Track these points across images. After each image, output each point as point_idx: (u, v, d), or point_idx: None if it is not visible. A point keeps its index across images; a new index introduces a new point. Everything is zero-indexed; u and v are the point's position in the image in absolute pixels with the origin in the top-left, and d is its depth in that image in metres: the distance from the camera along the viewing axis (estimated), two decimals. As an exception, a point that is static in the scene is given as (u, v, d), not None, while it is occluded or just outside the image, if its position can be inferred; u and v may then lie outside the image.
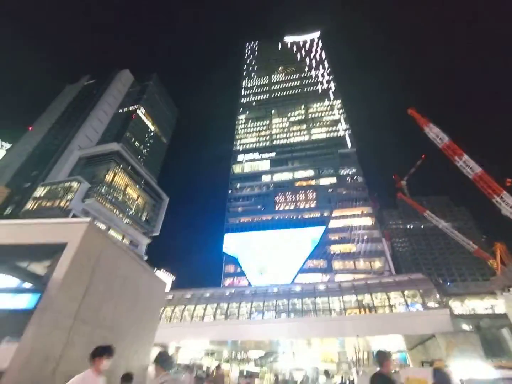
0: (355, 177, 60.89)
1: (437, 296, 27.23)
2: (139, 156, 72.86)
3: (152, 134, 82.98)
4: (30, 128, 70.74)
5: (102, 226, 46.65)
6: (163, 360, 2.87)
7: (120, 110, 75.72)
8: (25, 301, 3.81)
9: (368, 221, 53.44)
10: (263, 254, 52.75)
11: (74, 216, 42.64)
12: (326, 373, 10.11)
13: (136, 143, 74.67)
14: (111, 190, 52.67)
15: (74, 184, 47.28)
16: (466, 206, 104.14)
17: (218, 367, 12.34)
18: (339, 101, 76.36)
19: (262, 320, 29.13)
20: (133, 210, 58.42)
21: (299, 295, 31.67)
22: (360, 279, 36.09)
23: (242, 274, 51.69)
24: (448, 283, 48.34)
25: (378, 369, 3.14)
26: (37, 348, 3.54)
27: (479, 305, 31.29)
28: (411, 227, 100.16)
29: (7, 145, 64.11)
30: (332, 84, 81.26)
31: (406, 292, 28.59)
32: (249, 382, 22.28)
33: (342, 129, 69.68)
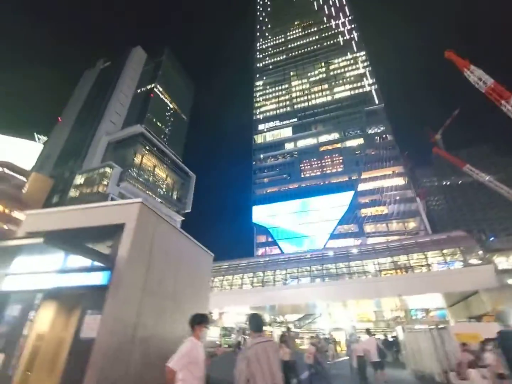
0: (384, 135, 57.20)
1: (480, 252, 26.16)
2: (162, 136, 73.95)
3: (171, 112, 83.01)
4: (59, 119, 74.06)
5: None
6: (254, 323, 3.00)
7: (138, 90, 75.84)
8: (99, 278, 4.32)
9: (400, 181, 51.02)
10: (293, 223, 53.30)
11: (112, 199, 45.57)
12: (368, 331, 10.32)
13: (158, 123, 75.40)
14: (141, 172, 54.78)
15: (108, 170, 49.73)
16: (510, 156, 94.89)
17: (288, 329, 13.33)
18: (363, 53, 69.49)
19: (297, 285, 30.29)
20: (164, 190, 60.76)
21: (333, 259, 32.13)
22: (394, 241, 35.48)
23: (274, 243, 53.08)
24: (492, 239, 45.81)
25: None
26: (118, 318, 4.09)
27: (528, 259, 29.68)
28: (447, 183, 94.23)
29: (44, 138, 67.99)
30: (354, 34, 73.54)
31: (445, 251, 27.80)
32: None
33: (368, 84, 64.19)
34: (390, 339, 21.25)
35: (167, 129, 79.37)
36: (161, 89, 79.22)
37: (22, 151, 57.37)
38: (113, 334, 3.97)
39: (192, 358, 2.75)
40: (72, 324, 4.58)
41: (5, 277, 4.81)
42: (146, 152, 57.46)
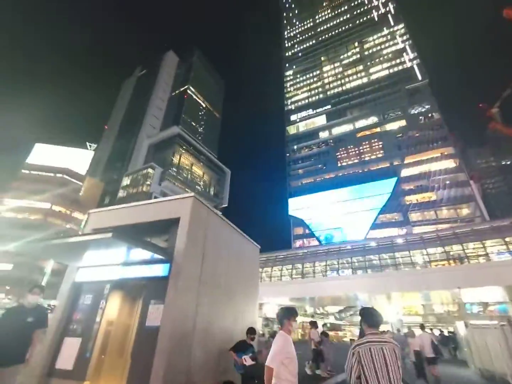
0: (430, 114, 52.23)
1: (552, 240, 22.90)
2: (197, 135, 76.62)
3: (205, 110, 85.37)
4: (106, 127, 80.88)
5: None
6: (369, 317, 2.74)
7: (173, 93, 79.20)
8: (160, 270, 4.67)
9: (450, 164, 46.37)
10: (331, 214, 51.82)
11: (155, 198, 48.84)
12: (422, 326, 9.90)
13: (193, 123, 78.23)
14: (180, 171, 57.67)
15: (150, 170, 53.26)
16: None
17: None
18: (401, 26, 63.69)
19: (338, 277, 29.56)
20: (201, 186, 63.32)
21: (376, 250, 30.66)
22: (445, 229, 32.58)
23: (311, 235, 52.27)
24: None
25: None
26: (179, 308, 4.37)
27: None
28: (507, 163, 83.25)
29: (94, 145, 75.02)
30: (390, 6, 67.62)
31: (507, 239, 24.83)
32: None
33: (409, 59, 58.87)
34: (447, 335, 19.87)
35: (201, 128, 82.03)
36: (193, 90, 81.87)
37: (77, 159, 64.11)
38: (175, 322, 4.22)
39: (287, 354, 2.70)
40: (136, 312, 5.02)
41: (78, 270, 5.42)
42: (183, 151, 60.25)
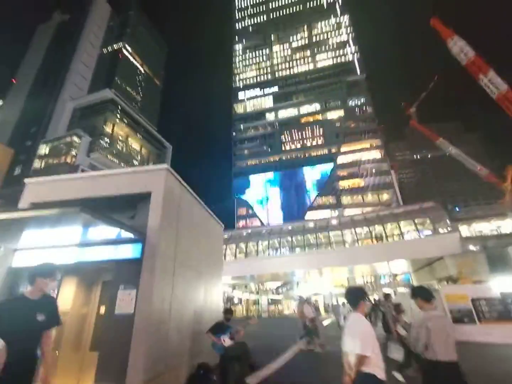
0: (364, 107, 57.36)
1: (447, 221, 28.22)
2: (134, 103, 68.79)
3: (143, 76, 76.62)
4: (14, 81, 65.46)
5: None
6: (424, 293, 3.13)
7: (104, 50, 68.35)
8: (128, 251, 4.04)
9: (377, 154, 52.49)
10: (273, 195, 53.81)
11: (83, 171, 42.62)
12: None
13: (128, 88, 69.64)
14: (113, 142, 51.30)
15: (76, 139, 45.97)
16: (477, 131, 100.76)
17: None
18: (346, 17, 66.68)
19: (279, 255, 31.29)
20: (138, 161, 57.88)
21: (313, 230, 33.21)
22: (370, 212, 37.22)
23: (254, 215, 53.68)
24: (457, 209, 49.66)
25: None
26: (155, 292, 3.92)
27: (486, 227, 32.54)
28: (419, 157, 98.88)
29: (-1, 102, 60.43)
30: (339, -5, 69.65)
31: (416, 220, 29.63)
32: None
33: (351, 52, 62.65)
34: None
35: (138, 95, 73.80)
36: (130, 50, 72.14)
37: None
38: (153, 308, 3.81)
39: (374, 338, 2.52)
40: (94, 299, 4.44)
41: (14, 252, 4.37)
42: (118, 120, 53.45)
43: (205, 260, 6.19)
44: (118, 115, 53.51)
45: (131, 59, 72.72)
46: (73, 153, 44.60)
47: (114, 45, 69.90)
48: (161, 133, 66.99)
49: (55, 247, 4.17)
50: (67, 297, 4.41)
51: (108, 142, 49.92)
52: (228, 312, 5.17)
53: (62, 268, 4.05)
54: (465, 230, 32.68)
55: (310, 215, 48.95)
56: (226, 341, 4.61)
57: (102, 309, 4.30)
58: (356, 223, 32.20)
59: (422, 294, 3.12)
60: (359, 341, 2.44)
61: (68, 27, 66.60)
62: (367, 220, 32.23)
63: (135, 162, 56.50)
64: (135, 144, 58.37)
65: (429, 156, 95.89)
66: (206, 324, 5.01)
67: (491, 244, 27.38)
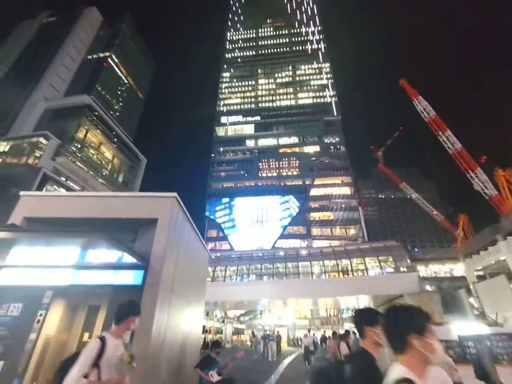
0: (338, 146, 61.44)
1: (408, 261, 29.97)
2: (112, 112, 67.06)
3: (126, 87, 75.77)
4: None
5: (76, 187, 43.98)
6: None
7: (89, 57, 67.15)
8: (129, 277, 3.82)
9: (347, 190, 55.51)
10: (245, 220, 53.69)
11: (45, 175, 39.56)
12: (309, 330, 12.47)
13: (108, 97, 68.07)
14: (84, 148, 48.74)
15: (42, 140, 43.01)
16: (434, 179, 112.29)
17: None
18: (327, 65, 73.37)
19: (247, 282, 30.61)
20: (108, 171, 55.21)
21: (283, 259, 33.31)
22: (337, 245, 38.48)
23: (224, 238, 52.74)
24: (416, 250, 53.20)
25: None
26: (155, 323, 3.74)
27: (441, 269, 34.94)
28: (383, 196, 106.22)
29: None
30: (322, 45, 77.05)
31: (380, 257, 31.10)
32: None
33: (329, 95, 68.15)
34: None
35: (118, 105, 72.24)
36: (116, 60, 71.63)
37: None
38: (151, 339, 3.61)
39: None
40: (78, 325, 4.15)
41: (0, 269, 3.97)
42: (92, 127, 51.35)
43: (193, 287, 6.04)
44: (93, 122, 51.54)
45: (116, 69, 71.99)
46: (37, 154, 41.50)
47: (100, 54, 69.07)
48: (137, 146, 65.25)
49: (45, 266, 3.87)
50: (54, 321, 4.02)
51: (79, 147, 47.35)
52: (217, 345, 4.96)
53: (53, 290, 3.72)
54: (422, 270, 34.75)
55: (280, 243, 49.26)
56: (214, 377, 4.45)
57: (86, 336, 3.94)
58: (325, 255, 32.98)
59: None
60: None
61: (53, 28, 65.03)
62: (336, 253, 33.20)
63: (105, 172, 53.80)
64: (107, 153, 55.92)
65: (392, 197, 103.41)
66: (190, 356, 4.78)
67: (445, 285, 29.37)
